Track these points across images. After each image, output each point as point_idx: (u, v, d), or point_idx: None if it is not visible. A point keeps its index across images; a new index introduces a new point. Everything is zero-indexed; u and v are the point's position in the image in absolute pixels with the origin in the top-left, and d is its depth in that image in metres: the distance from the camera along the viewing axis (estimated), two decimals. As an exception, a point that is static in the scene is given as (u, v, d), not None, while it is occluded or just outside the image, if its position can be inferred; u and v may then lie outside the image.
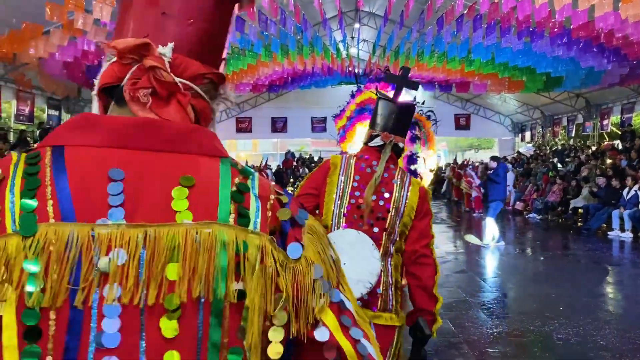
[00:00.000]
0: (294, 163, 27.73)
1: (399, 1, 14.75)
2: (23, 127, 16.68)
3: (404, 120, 2.66)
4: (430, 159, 6.91)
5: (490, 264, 9.50)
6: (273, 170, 25.40)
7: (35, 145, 0.81)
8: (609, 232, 12.68)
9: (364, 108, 4.88)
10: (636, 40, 11.34)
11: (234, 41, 13.71)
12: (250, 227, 0.78)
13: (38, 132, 16.52)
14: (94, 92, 0.87)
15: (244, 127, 27.85)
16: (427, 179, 6.88)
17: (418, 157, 5.26)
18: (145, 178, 0.76)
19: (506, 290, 7.54)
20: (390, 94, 2.85)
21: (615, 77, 14.97)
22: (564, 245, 11.92)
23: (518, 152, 25.33)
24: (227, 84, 0.92)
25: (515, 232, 13.83)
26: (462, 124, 27.83)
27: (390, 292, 2.41)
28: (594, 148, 19.56)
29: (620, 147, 17.72)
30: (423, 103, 4.71)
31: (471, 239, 11.81)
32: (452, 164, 24.56)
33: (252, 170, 0.86)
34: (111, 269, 0.70)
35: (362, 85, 6.19)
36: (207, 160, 0.82)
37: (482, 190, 17.67)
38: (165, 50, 0.82)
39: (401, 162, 4.52)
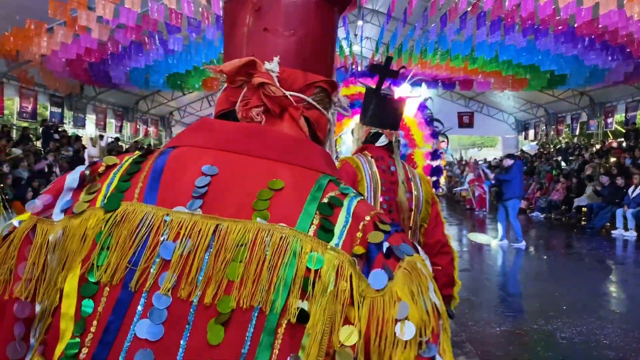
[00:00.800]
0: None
1: (403, -2, 14.72)
2: (26, 124, 16.71)
3: (400, 115, 2.65)
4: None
5: (494, 262, 9.47)
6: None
7: (162, 147, 0.85)
8: (612, 231, 12.62)
9: (352, 104, 4.72)
10: (641, 37, 11.30)
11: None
12: (332, 243, 0.70)
13: (41, 130, 16.54)
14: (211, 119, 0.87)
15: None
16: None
17: (442, 153, 5.22)
18: (237, 178, 0.75)
19: (509, 288, 7.51)
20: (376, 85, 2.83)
21: (620, 75, 14.92)
22: (568, 244, 11.88)
23: (521, 150, 25.26)
24: (338, 90, 0.90)
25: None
26: (465, 121, 27.76)
27: None
28: (598, 146, 19.49)
29: (624, 145, 17.67)
30: (426, 100, 4.68)
31: (475, 237, 11.77)
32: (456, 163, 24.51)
33: (356, 192, 0.79)
34: (173, 257, 0.68)
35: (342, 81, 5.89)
36: (304, 171, 0.78)
37: (486, 189, 17.67)
38: (272, 66, 0.81)
39: (422, 159, 4.50)
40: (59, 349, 0.67)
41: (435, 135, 4.52)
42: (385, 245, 0.71)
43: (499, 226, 11.06)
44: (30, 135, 15.65)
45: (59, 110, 18.26)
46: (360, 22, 21.51)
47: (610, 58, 13.40)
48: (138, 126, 24.04)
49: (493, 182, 12.71)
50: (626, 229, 12.30)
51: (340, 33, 18.15)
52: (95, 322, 0.66)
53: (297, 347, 0.64)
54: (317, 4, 0.86)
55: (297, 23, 0.84)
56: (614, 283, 8.01)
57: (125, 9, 10.66)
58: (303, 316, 0.65)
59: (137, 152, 0.82)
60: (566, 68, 15.05)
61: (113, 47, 12.78)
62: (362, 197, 0.79)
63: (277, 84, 0.80)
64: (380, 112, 2.58)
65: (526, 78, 17.26)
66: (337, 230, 0.71)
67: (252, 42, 0.83)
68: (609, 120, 20.80)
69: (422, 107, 4.42)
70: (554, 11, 10.94)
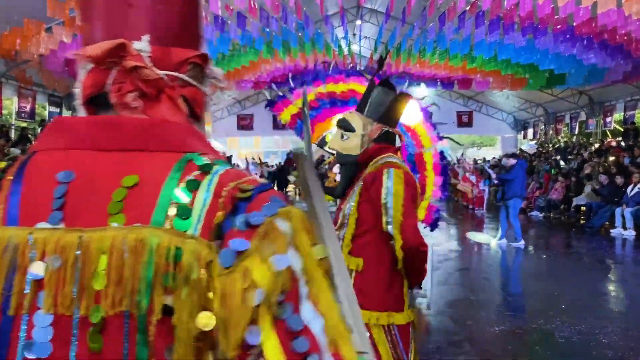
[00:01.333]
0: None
1: (401, -2, 14.71)
2: (24, 124, 16.70)
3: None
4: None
5: (493, 262, 9.47)
6: (273, 168, 25.33)
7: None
8: (611, 230, 12.63)
9: (346, 101, 4.51)
10: (639, 37, 11.29)
11: (235, 37, 13.67)
12: (190, 231, 0.69)
13: (39, 129, 16.53)
14: (78, 103, 0.82)
15: (245, 124, 27.85)
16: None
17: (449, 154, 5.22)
18: (95, 179, 0.72)
19: (508, 288, 7.52)
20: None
21: (619, 74, 14.90)
22: (567, 244, 11.89)
23: (520, 149, 25.26)
24: (211, 62, 0.87)
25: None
26: (464, 121, 27.78)
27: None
28: (597, 145, 19.50)
29: (623, 144, 17.68)
30: (422, 99, 4.65)
31: (475, 236, 11.78)
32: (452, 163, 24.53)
33: (222, 164, 0.76)
34: (45, 275, 0.67)
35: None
36: (162, 157, 0.74)
37: (484, 189, 17.71)
38: (142, 45, 0.77)
39: (431, 158, 4.46)
40: None
41: (440, 137, 4.50)
42: (240, 218, 0.69)
43: (501, 225, 11.12)
44: (29, 135, 15.64)
45: (58, 110, 18.24)
46: (358, 22, 21.53)
47: (609, 57, 13.39)
48: (137, 126, 24.02)
49: (495, 181, 12.66)
50: (625, 228, 12.30)
51: (339, 32, 18.15)
52: None
53: (172, 339, 0.66)
54: None
55: None
56: (613, 282, 8.02)
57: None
58: (169, 310, 0.66)
59: (2, 164, 0.78)
60: (565, 67, 15.04)
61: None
62: (230, 167, 0.76)
63: (151, 66, 0.77)
64: (395, 111, 2.53)
65: (525, 77, 17.25)
66: (194, 215, 0.70)
67: (114, 18, 0.78)
68: (608, 119, 20.81)
69: (424, 109, 4.40)
70: (552, 10, 10.93)
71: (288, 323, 0.66)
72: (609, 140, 20.11)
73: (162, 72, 0.78)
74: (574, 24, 11.41)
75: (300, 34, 14.90)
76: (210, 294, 0.66)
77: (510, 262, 9.53)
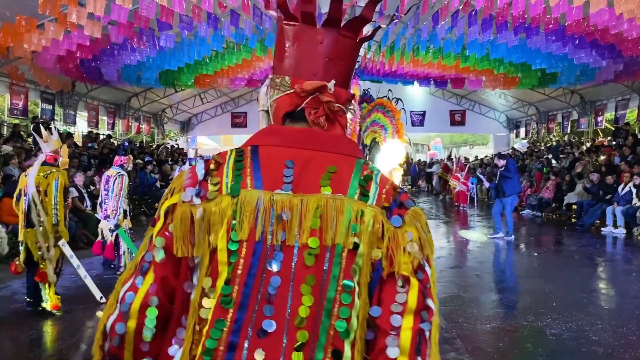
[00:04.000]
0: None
1: (395, -4, 14.72)
2: (17, 121, 16.56)
3: None
4: (399, 151, 6.75)
5: (484, 259, 9.53)
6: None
7: (241, 146, 1.25)
8: (602, 229, 12.72)
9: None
10: (630, 36, 11.37)
11: (228, 35, 13.64)
12: (369, 202, 1.16)
13: (32, 126, 16.42)
14: (261, 109, 1.33)
15: (239, 122, 27.78)
16: (396, 175, 6.68)
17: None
18: (307, 166, 1.18)
19: (500, 285, 7.57)
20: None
21: (610, 74, 15.01)
22: (558, 241, 11.97)
23: (513, 148, 25.38)
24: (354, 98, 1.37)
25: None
26: (457, 120, 27.85)
27: None
28: (588, 144, 19.61)
29: (614, 143, 17.79)
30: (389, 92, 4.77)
31: (466, 234, 11.85)
32: (445, 160, 24.63)
33: (378, 168, 1.25)
34: (282, 220, 1.12)
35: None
36: (347, 158, 1.22)
37: (470, 187, 17.87)
38: (331, 86, 1.23)
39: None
40: (220, 282, 1.10)
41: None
42: (399, 200, 1.19)
43: (495, 221, 11.57)
44: (22, 132, 15.52)
45: (50, 107, 18.11)
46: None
47: (600, 57, 13.48)
48: (130, 123, 23.88)
49: (488, 184, 13.04)
50: (616, 226, 12.40)
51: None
52: (242, 262, 1.10)
53: (352, 263, 1.11)
54: (357, 44, 1.29)
55: (347, 56, 1.28)
56: (604, 280, 8.09)
57: (116, 5, 10.60)
58: (356, 246, 1.11)
59: (233, 151, 1.23)
60: (557, 66, 15.13)
61: (104, 43, 12.67)
62: (382, 172, 1.25)
63: (334, 100, 1.23)
64: None
65: (517, 76, 17.32)
66: (371, 194, 1.17)
67: (317, 65, 1.24)
68: (599, 118, 20.93)
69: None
70: (544, 10, 10.98)
71: (420, 271, 1.13)
72: (600, 139, 20.23)
73: (339, 106, 1.25)
74: (566, 24, 11.47)
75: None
76: (384, 239, 1.13)
77: (501, 260, 9.60)
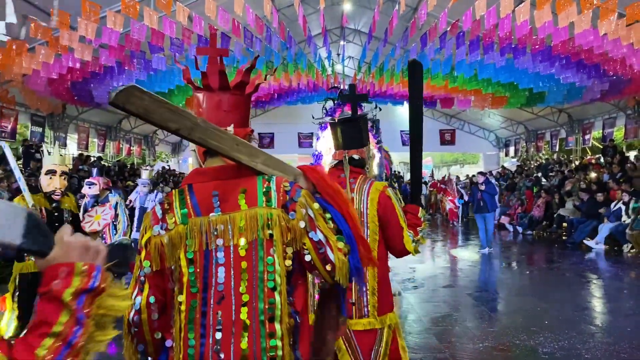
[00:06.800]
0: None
1: (384, 18, 14.92)
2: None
3: (351, 134, 2.84)
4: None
5: (476, 278, 9.53)
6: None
7: (180, 185, 1.77)
8: (584, 240, 12.86)
9: None
10: (615, 56, 11.57)
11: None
12: (273, 206, 1.64)
13: (21, 149, 16.34)
14: (191, 150, 1.87)
15: (230, 143, 27.81)
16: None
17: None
18: (227, 192, 1.67)
19: (492, 304, 7.56)
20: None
21: (596, 93, 15.22)
22: (549, 259, 12.00)
23: (503, 166, 25.56)
24: (252, 133, 1.88)
25: (501, 246, 13.88)
26: (447, 139, 28.07)
27: (364, 300, 2.64)
28: (577, 162, 19.80)
29: (602, 161, 17.96)
30: (372, 111, 5.00)
31: (459, 254, 11.89)
32: (435, 179, 24.74)
33: (272, 176, 1.70)
34: (218, 232, 1.62)
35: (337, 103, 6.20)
36: (251, 179, 1.68)
37: (458, 204, 17.96)
38: (231, 128, 1.75)
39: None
40: (185, 279, 1.61)
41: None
42: (289, 197, 1.64)
43: (481, 237, 12.16)
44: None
45: (40, 129, 18.06)
46: (342, 42, 21.75)
47: (586, 76, 13.69)
48: (121, 145, 23.86)
49: (467, 199, 14.10)
50: (597, 242, 12.53)
51: (322, 52, 18.32)
52: (198, 268, 1.61)
53: (272, 246, 1.61)
54: (246, 97, 1.88)
55: (240, 107, 1.85)
56: (595, 297, 8.10)
57: (107, 29, 10.67)
58: (271, 236, 1.62)
59: (176, 191, 1.73)
60: (544, 86, 15.33)
61: (95, 66, 12.72)
62: (277, 176, 1.71)
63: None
64: (335, 137, 2.92)
65: (505, 96, 17.53)
66: (273, 200, 1.64)
67: (219, 116, 1.77)
68: (587, 136, 21.18)
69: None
70: (530, 31, 11.18)
71: (313, 237, 1.63)
72: (588, 157, 20.44)
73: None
74: (552, 44, 11.67)
75: (283, 55, 15.02)
76: (289, 230, 1.63)
77: (493, 279, 9.60)
